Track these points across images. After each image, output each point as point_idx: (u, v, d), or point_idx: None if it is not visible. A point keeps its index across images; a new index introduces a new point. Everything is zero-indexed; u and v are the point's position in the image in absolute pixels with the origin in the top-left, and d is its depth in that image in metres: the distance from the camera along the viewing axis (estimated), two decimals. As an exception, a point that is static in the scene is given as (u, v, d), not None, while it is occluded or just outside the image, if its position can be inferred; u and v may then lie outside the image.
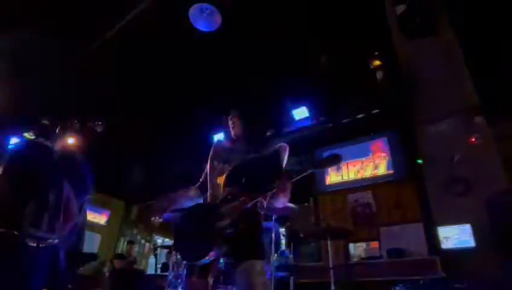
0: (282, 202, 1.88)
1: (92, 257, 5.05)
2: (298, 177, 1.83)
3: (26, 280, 2.07)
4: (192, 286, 1.86)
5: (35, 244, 2.12)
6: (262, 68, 5.93)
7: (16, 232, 2.06)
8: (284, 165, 1.98)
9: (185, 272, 1.95)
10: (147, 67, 5.97)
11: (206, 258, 1.74)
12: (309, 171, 1.83)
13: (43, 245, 2.17)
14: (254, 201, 1.81)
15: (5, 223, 2.08)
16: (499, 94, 4.84)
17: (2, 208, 2.13)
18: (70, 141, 6.01)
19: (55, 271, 2.30)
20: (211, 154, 2.13)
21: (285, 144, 2.05)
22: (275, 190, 1.79)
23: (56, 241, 2.28)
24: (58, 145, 2.71)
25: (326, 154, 6.16)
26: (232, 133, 2.17)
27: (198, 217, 1.86)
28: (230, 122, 2.16)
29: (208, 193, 2.00)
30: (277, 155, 1.98)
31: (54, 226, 2.26)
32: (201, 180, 2.14)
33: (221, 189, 1.90)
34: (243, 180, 1.84)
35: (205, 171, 2.14)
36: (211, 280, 1.91)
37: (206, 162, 2.15)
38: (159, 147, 7.53)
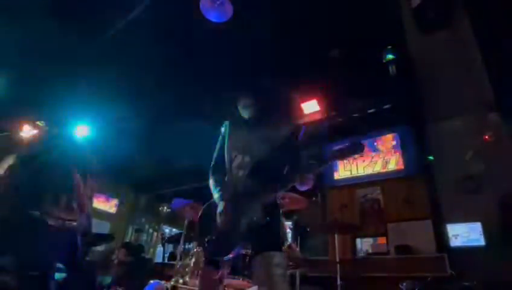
0: (304, 188, 1.89)
1: (110, 238, 5.17)
2: (320, 169, 1.81)
3: (46, 256, 2.16)
4: (207, 276, 1.86)
5: (55, 224, 2.22)
6: (272, 61, 5.88)
7: (37, 212, 2.16)
8: (299, 148, 1.98)
9: (201, 261, 1.95)
10: (158, 57, 5.97)
11: (231, 254, 1.77)
12: (330, 162, 1.82)
13: (62, 226, 2.26)
14: (275, 195, 1.82)
15: (28, 204, 2.18)
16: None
17: (23, 192, 2.23)
18: (82, 130, 6.11)
19: (73, 253, 2.39)
20: (226, 138, 2.04)
21: (301, 125, 2.03)
22: (294, 183, 1.79)
23: (74, 223, 2.36)
24: (69, 134, 2.81)
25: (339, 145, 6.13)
26: (246, 114, 2.03)
27: (224, 211, 1.84)
28: (244, 101, 2.03)
29: (228, 184, 1.97)
30: (293, 140, 1.96)
31: (72, 206, 2.35)
32: (217, 163, 2.06)
33: (243, 183, 1.87)
34: (265, 175, 1.82)
35: (218, 153, 2.07)
36: (225, 271, 1.93)
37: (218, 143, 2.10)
38: (169, 137, 7.57)
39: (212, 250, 1.84)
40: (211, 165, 2.09)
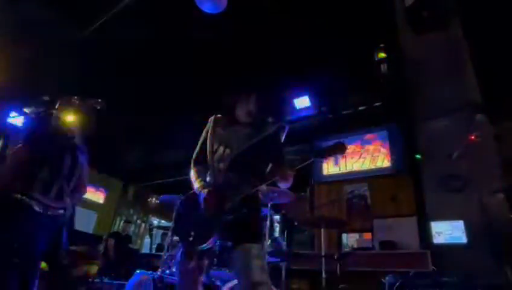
0: (284, 186, 1.94)
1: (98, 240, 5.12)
2: (300, 166, 1.83)
3: (28, 242, 2.14)
4: (187, 268, 1.87)
5: (41, 211, 2.20)
6: (264, 55, 5.86)
7: (24, 197, 2.14)
8: (282, 147, 2.01)
9: (179, 253, 1.96)
10: (150, 46, 5.90)
11: (206, 244, 1.77)
12: (311, 160, 1.85)
13: (49, 213, 2.24)
14: (254, 189, 1.83)
15: (18, 189, 2.16)
16: (503, 92, 4.81)
17: (19, 176, 2.21)
18: (70, 118, 6.00)
19: (56, 244, 2.36)
20: (210, 133, 2.03)
21: (285, 125, 2.06)
22: (276, 178, 1.81)
23: (61, 211, 2.34)
24: (58, 122, 2.77)
25: (326, 143, 6.20)
26: (244, 109, 2.00)
27: (200, 203, 1.85)
28: (246, 106, 1.99)
29: (208, 177, 1.98)
30: (276, 139, 1.99)
31: (63, 194, 2.33)
32: (199, 157, 2.07)
33: (223, 175, 1.88)
34: (245, 169, 1.84)
35: (201, 147, 2.07)
36: (205, 263, 1.94)
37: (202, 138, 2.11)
38: (157, 128, 7.51)
39: (190, 239, 1.84)
40: (193, 157, 2.10)
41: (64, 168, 2.41)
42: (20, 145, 2.42)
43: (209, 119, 2.12)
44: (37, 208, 2.20)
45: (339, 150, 1.78)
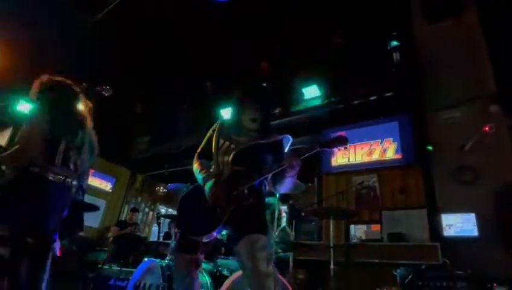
0: (290, 182, 1.93)
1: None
2: (305, 156, 1.83)
3: (43, 219, 2.10)
4: (182, 261, 1.87)
5: (55, 180, 2.16)
6: (274, 43, 5.78)
7: (35, 168, 2.10)
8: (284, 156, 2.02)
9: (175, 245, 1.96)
10: (159, 36, 5.85)
11: (208, 235, 1.78)
12: (316, 150, 1.86)
13: (61, 182, 2.19)
14: (260, 179, 1.82)
15: (39, 162, 2.13)
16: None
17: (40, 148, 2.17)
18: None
19: (72, 214, 2.31)
20: (217, 129, 2.05)
21: (290, 137, 2.08)
22: (282, 167, 1.80)
23: (69, 180, 2.27)
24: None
25: (333, 134, 6.12)
26: (249, 123, 2.01)
27: (205, 193, 1.84)
28: (251, 113, 2.00)
29: (212, 169, 1.98)
30: (280, 144, 2.03)
31: (68, 162, 2.28)
32: (203, 151, 2.08)
33: (227, 168, 1.88)
34: (250, 161, 1.85)
35: (206, 143, 2.08)
36: (201, 256, 1.94)
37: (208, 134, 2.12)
38: (166, 117, 7.51)
39: (193, 231, 1.84)
40: (197, 151, 2.10)
41: (78, 144, 2.38)
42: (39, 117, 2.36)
43: (216, 123, 2.13)
44: (51, 177, 2.16)
45: (339, 142, 1.90)
